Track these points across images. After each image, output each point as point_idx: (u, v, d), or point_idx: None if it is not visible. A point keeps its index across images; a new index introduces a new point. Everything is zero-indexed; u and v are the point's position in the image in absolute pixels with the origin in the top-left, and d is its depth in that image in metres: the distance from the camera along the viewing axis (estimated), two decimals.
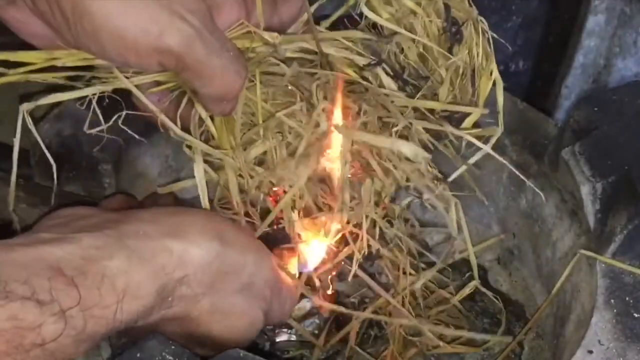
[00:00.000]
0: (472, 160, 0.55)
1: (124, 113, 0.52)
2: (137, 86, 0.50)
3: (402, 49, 0.55)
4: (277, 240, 0.57)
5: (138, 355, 0.43)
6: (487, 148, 0.52)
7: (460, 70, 0.54)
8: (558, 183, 0.61)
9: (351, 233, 0.56)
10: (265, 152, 0.55)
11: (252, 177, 0.56)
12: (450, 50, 0.54)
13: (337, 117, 0.52)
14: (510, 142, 0.65)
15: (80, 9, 0.44)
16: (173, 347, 0.44)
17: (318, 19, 0.56)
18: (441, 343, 0.61)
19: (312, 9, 0.54)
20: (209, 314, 0.47)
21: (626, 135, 0.57)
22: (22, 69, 0.49)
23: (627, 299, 0.49)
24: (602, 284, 0.50)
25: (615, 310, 0.49)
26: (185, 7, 0.46)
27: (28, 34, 0.48)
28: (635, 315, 0.48)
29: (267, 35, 0.51)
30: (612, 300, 0.49)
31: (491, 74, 0.55)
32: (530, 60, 0.89)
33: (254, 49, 0.52)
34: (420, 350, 0.62)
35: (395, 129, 0.53)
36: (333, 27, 0.56)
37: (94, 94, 0.50)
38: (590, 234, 0.55)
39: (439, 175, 0.55)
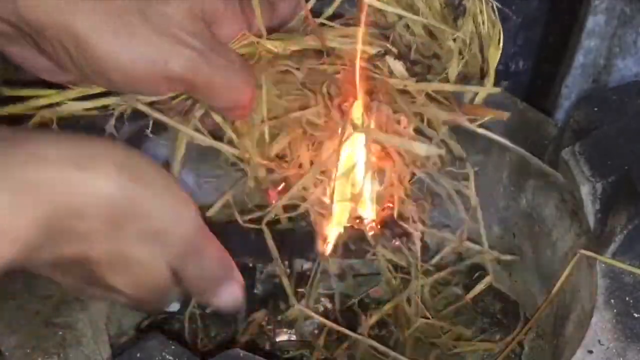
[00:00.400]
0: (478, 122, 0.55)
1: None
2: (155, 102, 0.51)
3: (408, 26, 0.55)
4: (297, 235, 0.57)
5: (138, 355, 0.43)
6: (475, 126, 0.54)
7: (468, 41, 0.54)
8: (558, 183, 0.61)
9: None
10: (287, 147, 0.56)
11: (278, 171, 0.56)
12: (455, 22, 0.54)
13: (355, 112, 0.52)
14: (510, 142, 0.65)
15: (84, 48, 0.44)
16: (173, 347, 0.44)
17: (318, 9, 0.56)
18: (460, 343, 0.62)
19: (310, 4, 0.54)
20: (108, 256, 0.41)
21: (626, 135, 0.56)
22: (37, 101, 0.50)
23: (627, 299, 0.49)
24: (602, 284, 0.50)
25: (615, 310, 0.49)
26: (186, 31, 0.46)
27: (32, 67, 0.49)
28: (635, 315, 0.48)
29: (270, 45, 0.51)
30: (612, 300, 0.49)
31: (499, 41, 0.55)
32: (530, 60, 0.89)
33: (259, 53, 0.53)
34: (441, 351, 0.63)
35: (407, 129, 0.53)
36: (334, 15, 0.56)
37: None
38: (590, 234, 0.55)
39: (461, 154, 0.56)
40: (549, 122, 0.66)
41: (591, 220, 0.55)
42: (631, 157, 0.55)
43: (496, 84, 0.56)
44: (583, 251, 0.54)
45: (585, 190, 0.55)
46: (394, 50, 0.53)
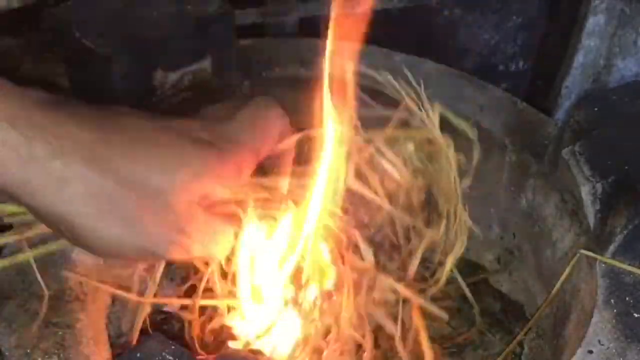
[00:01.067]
0: None
1: None
2: None
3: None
4: None
5: (138, 355, 0.44)
6: None
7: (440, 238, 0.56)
8: (558, 183, 0.61)
9: None
10: None
11: None
12: (429, 215, 0.56)
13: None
14: (510, 142, 0.65)
15: (75, 233, 0.44)
16: (173, 347, 0.44)
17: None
18: None
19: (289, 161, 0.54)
20: None
21: (626, 135, 0.57)
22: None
23: (627, 299, 0.49)
24: (602, 284, 0.50)
25: (615, 310, 0.49)
26: (181, 219, 0.46)
27: None
28: (635, 315, 0.48)
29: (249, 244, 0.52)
30: (612, 300, 0.49)
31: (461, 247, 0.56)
32: (530, 60, 0.89)
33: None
34: None
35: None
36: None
37: None
38: (590, 234, 0.55)
39: None
40: (549, 122, 0.66)
41: (591, 220, 0.55)
42: (631, 157, 0.55)
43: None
44: (583, 251, 0.54)
45: (585, 190, 0.55)
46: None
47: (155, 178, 0.44)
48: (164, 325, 0.66)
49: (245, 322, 0.54)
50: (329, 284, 0.53)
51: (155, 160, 0.45)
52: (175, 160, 0.45)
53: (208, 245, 0.48)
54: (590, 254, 0.53)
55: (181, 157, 0.46)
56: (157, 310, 0.65)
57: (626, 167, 0.54)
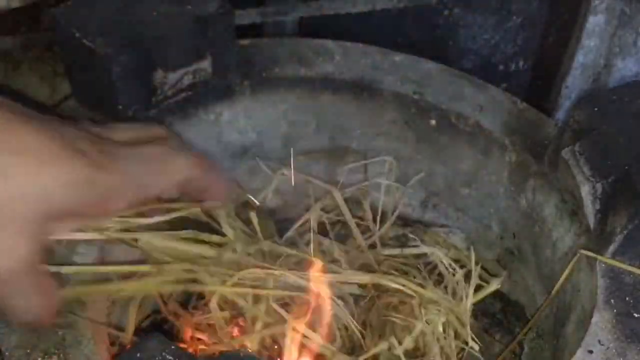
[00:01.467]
0: None
1: None
2: None
3: None
4: None
5: (138, 355, 0.43)
6: None
7: None
8: (558, 183, 0.61)
9: None
10: None
11: None
12: None
13: None
14: (510, 142, 0.65)
15: None
16: (173, 347, 0.44)
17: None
18: None
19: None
20: None
21: (626, 135, 0.56)
22: None
23: (627, 299, 0.49)
24: (602, 284, 0.50)
25: (615, 310, 0.49)
26: (15, 245, 0.41)
27: None
28: (635, 315, 0.48)
29: None
30: (612, 300, 0.49)
31: None
32: (530, 60, 0.89)
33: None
34: None
35: None
36: None
37: None
38: (590, 234, 0.55)
39: None
40: (549, 122, 0.66)
41: (591, 220, 0.55)
42: (631, 157, 0.55)
43: None
44: (583, 251, 0.54)
45: (585, 190, 0.55)
46: None
47: (5, 183, 0.40)
48: (164, 325, 0.66)
49: None
50: None
51: (15, 161, 0.40)
52: (38, 168, 0.41)
53: (15, 296, 0.44)
54: (590, 254, 0.53)
55: (44, 164, 0.41)
56: (157, 310, 0.65)
57: (626, 167, 0.54)
